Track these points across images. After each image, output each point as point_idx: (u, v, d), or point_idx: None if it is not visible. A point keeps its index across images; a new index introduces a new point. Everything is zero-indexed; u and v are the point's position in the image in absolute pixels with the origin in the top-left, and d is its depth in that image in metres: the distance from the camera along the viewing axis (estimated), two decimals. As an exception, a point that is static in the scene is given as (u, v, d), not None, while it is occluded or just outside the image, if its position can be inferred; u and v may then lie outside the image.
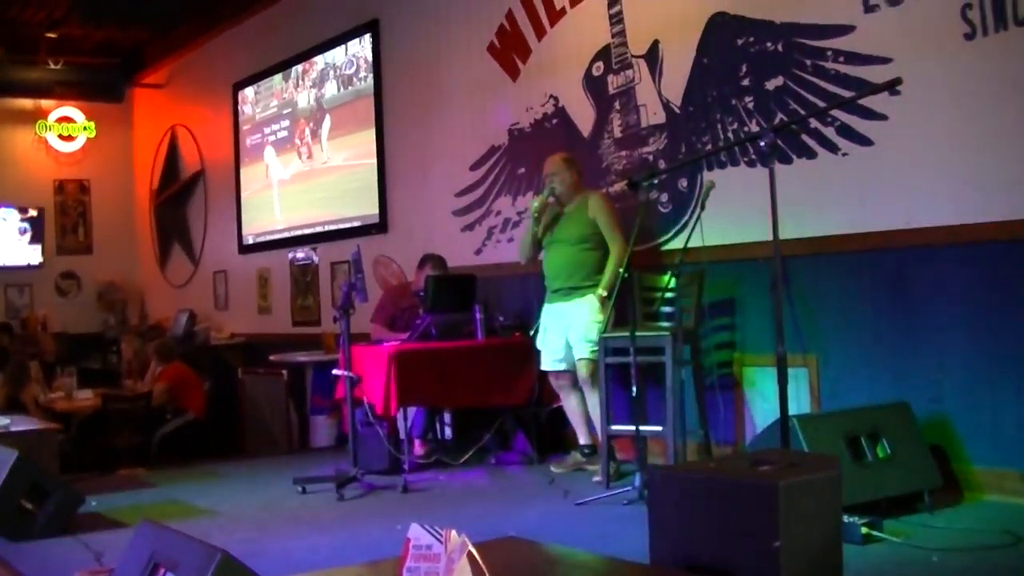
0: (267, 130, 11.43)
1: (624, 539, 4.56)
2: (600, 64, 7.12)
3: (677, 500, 3.60)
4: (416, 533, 2.47)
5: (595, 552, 4.04)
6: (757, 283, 6.05)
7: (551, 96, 7.55)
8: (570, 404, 6.60)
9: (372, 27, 9.51)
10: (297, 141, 10.84)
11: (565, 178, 6.52)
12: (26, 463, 5.37)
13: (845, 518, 3.99)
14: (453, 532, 2.42)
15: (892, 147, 5.46)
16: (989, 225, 5.04)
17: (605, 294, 6.23)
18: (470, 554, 2.39)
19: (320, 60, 10.38)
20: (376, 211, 9.52)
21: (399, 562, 2.58)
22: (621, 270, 5.83)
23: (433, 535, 2.43)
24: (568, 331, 6.38)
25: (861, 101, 5.37)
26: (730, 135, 6.24)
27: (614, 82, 7.02)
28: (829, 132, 5.71)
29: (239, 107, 12.01)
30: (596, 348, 6.20)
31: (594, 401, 6.29)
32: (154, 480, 7.20)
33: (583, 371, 6.34)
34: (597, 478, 6.11)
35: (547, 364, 6.58)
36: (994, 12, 4.99)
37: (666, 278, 6.11)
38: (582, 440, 6.57)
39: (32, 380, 9.74)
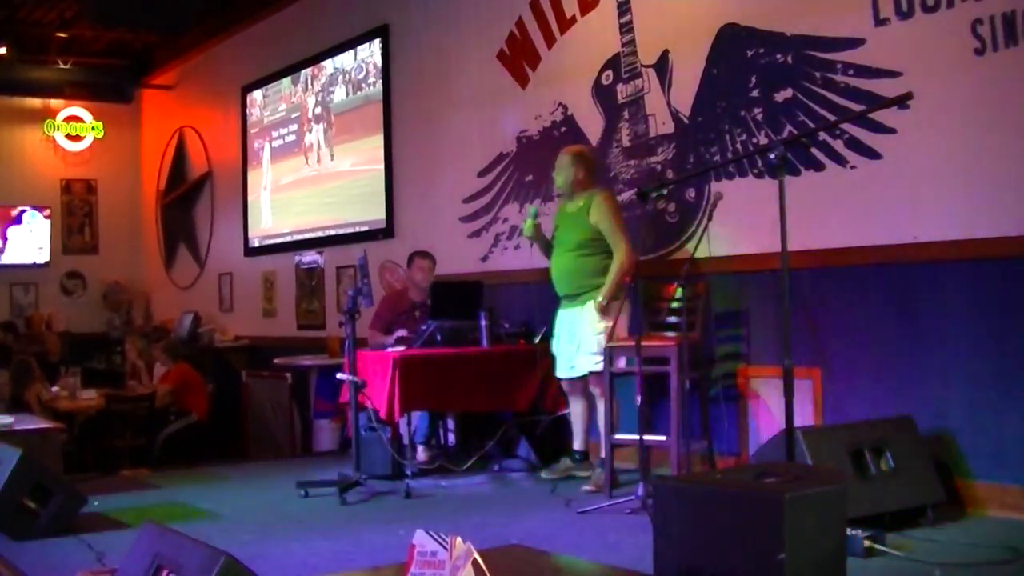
0: (275, 134, 11.45)
1: (627, 548, 4.57)
2: (609, 73, 7.13)
3: (682, 510, 3.60)
4: (421, 539, 2.47)
5: (598, 561, 4.05)
6: (763, 295, 6.05)
7: (560, 104, 7.55)
8: (575, 409, 6.58)
9: (382, 32, 9.52)
10: (305, 145, 10.85)
11: (569, 175, 6.45)
12: (29, 462, 5.36)
13: (848, 531, 3.98)
14: (458, 539, 2.42)
15: (900, 161, 5.46)
16: (995, 240, 5.04)
17: (604, 302, 6.18)
18: (475, 562, 2.39)
19: (329, 64, 10.40)
20: (383, 216, 9.52)
21: (403, 568, 2.59)
22: (627, 279, 5.82)
23: (438, 542, 2.43)
24: (576, 340, 6.38)
25: (870, 114, 5.37)
26: (738, 146, 6.25)
27: (623, 91, 7.03)
28: (837, 145, 5.71)
29: (247, 110, 12.03)
30: (601, 359, 6.21)
31: (603, 411, 6.30)
32: (156, 481, 7.19)
33: (592, 384, 6.34)
34: (587, 487, 6.10)
35: (560, 371, 6.57)
36: (1004, 28, 4.99)
37: (672, 288, 6.11)
38: (576, 446, 6.56)
39: (35, 379, 9.74)
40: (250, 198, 11.93)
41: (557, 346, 6.57)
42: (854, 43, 5.61)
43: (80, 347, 13.33)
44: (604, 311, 6.16)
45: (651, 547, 3.73)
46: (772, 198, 4.71)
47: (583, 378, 6.38)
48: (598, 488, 6.05)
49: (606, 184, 6.89)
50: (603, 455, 6.26)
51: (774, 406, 5.94)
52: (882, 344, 5.57)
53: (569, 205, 6.50)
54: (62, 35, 12.81)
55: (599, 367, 6.16)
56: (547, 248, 6.60)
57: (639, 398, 5.46)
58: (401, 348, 6.77)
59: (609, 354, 6.00)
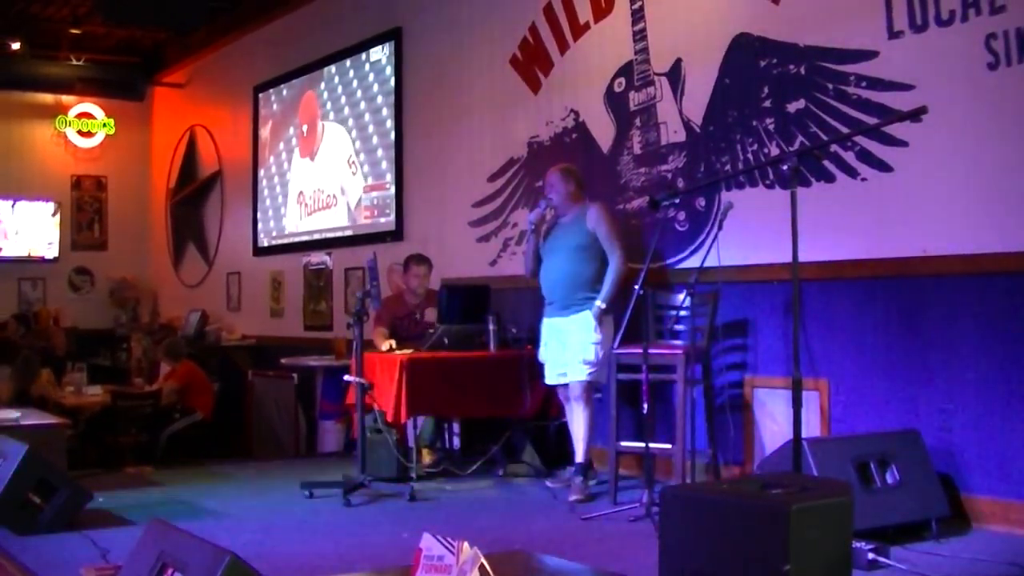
0: (286, 134, 11.46)
1: (630, 556, 4.57)
2: (622, 80, 7.13)
3: (688, 520, 3.60)
4: (428, 543, 2.47)
5: (602, 568, 4.04)
6: (771, 305, 6.05)
7: (572, 110, 7.55)
8: (570, 419, 6.57)
9: (395, 35, 9.53)
10: (316, 145, 10.86)
11: (560, 189, 6.48)
12: (35, 457, 5.37)
13: (852, 544, 3.97)
14: (465, 544, 2.42)
15: (911, 174, 5.45)
16: (1005, 256, 5.03)
17: (604, 306, 6.21)
18: (482, 567, 2.39)
19: (342, 66, 10.40)
20: (392, 218, 9.53)
21: (408, 571, 2.59)
22: (636, 284, 5.80)
23: (445, 546, 2.43)
24: (566, 348, 6.37)
25: (883, 127, 5.37)
26: (750, 156, 6.24)
27: (635, 99, 7.03)
28: (849, 157, 5.70)
29: (259, 110, 12.04)
30: (592, 370, 6.20)
31: (582, 419, 6.29)
32: (161, 479, 7.19)
33: (576, 390, 6.33)
34: (574, 496, 6.06)
35: (550, 378, 6.56)
36: (1018, 43, 4.98)
37: (680, 297, 6.11)
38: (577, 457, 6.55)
39: (39, 373, 9.76)
40: (260, 198, 11.94)
41: (545, 353, 6.57)
42: (867, 55, 5.61)
43: (86, 343, 13.35)
44: (601, 316, 6.18)
45: (655, 555, 3.72)
46: (782, 208, 4.71)
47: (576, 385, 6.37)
48: (583, 497, 6.04)
49: (612, 197, 6.93)
50: (580, 460, 6.25)
51: (780, 417, 5.94)
52: (889, 357, 5.56)
53: (563, 219, 6.52)
54: (74, 31, 12.83)
55: (591, 376, 6.20)
56: (536, 250, 6.60)
57: (645, 406, 5.46)
58: (408, 351, 6.78)
59: (615, 361, 6.01)
